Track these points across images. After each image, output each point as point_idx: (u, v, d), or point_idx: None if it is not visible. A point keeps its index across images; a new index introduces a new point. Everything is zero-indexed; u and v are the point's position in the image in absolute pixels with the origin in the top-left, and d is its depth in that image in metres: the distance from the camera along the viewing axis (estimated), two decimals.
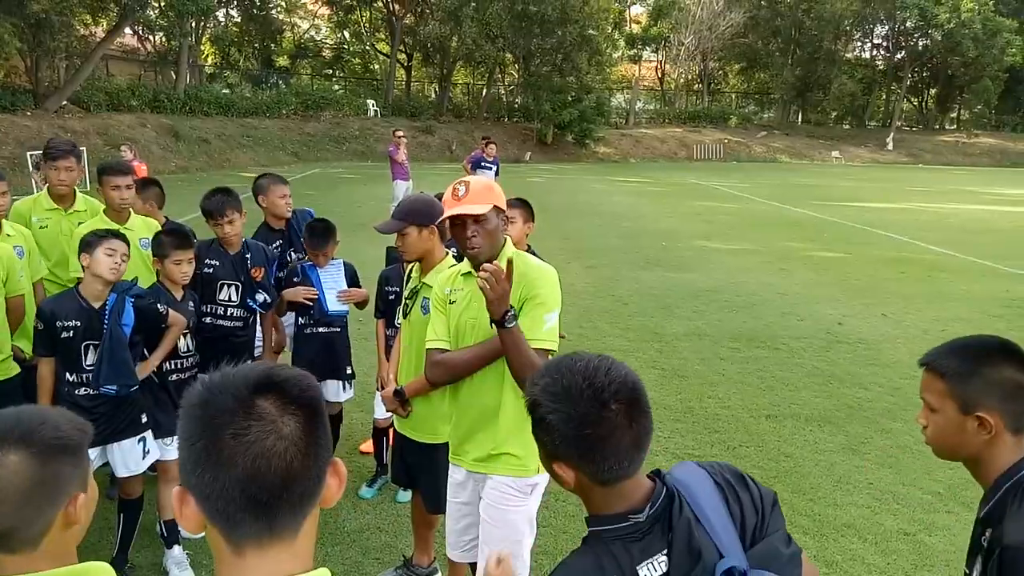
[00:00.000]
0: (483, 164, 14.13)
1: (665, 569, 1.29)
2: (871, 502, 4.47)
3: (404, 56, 42.60)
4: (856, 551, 3.95)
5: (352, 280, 4.50)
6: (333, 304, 4.34)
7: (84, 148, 21.06)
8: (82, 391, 3.33)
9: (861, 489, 4.63)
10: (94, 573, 1.27)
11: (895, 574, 3.77)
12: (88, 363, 3.32)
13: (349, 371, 4.54)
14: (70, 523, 1.28)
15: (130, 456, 3.45)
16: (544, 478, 2.69)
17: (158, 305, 3.58)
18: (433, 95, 43.66)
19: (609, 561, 1.31)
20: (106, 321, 3.30)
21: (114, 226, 4.24)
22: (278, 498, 0.93)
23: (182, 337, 3.76)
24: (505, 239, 2.72)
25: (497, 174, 14.21)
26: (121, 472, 3.47)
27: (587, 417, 1.31)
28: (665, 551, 1.31)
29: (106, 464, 3.51)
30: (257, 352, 4.72)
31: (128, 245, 3.39)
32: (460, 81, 45.44)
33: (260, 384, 0.95)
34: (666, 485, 1.37)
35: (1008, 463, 1.61)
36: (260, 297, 4.23)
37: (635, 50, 46.99)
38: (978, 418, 1.61)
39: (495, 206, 2.57)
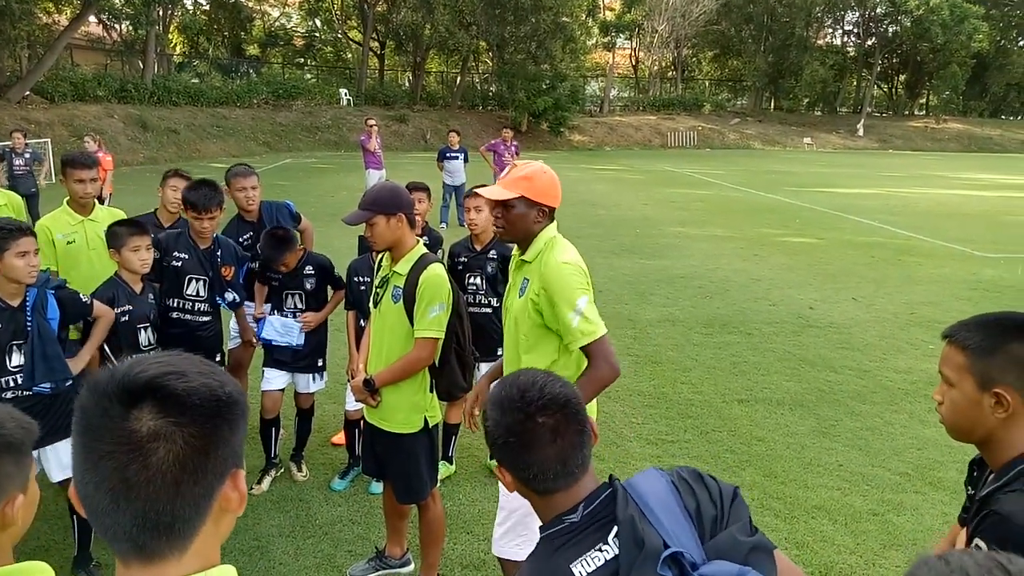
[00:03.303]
0: (448, 155, 14.06)
1: (600, 563, 1.32)
2: (841, 484, 4.53)
3: (376, 44, 42.17)
4: (826, 532, 4.00)
5: (327, 275, 4.45)
6: (271, 333, 4.31)
7: (49, 139, 20.72)
8: (10, 395, 3.13)
9: (831, 471, 4.69)
10: (32, 573, 1.22)
11: (864, 554, 3.82)
12: (14, 365, 3.13)
13: (320, 363, 4.50)
14: (6, 524, 1.23)
15: (66, 457, 3.21)
16: None
17: (81, 295, 3.45)
18: (406, 83, 43.32)
19: (543, 567, 1.37)
20: (29, 318, 3.12)
21: (77, 218, 4.19)
22: (142, 530, 0.87)
23: (143, 331, 3.68)
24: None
25: (466, 161, 14.13)
26: (57, 476, 3.29)
27: (513, 427, 1.39)
28: (599, 546, 1.34)
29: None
30: (234, 343, 4.66)
31: (36, 237, 3.20)
32: (434, 69, 45.11)
33: (140, 393, 0.87)
34: (612, 487, 1.41)
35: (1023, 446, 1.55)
36: (229, 296, 4.19)
37: (609, 37, 46.94)
38: (995, 395, 1.55)
39: (524, 196, 2.63)
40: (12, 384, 3.15)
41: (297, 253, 4.31)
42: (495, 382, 1.50)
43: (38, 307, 3.17)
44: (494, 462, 1.51)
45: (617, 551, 1.32)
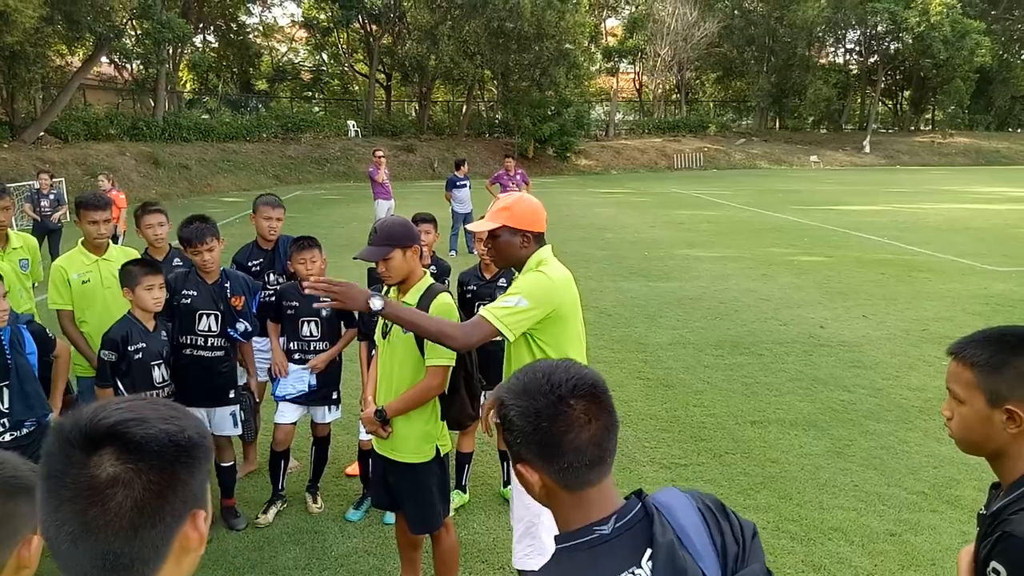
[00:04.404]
0: (457, 184, 14.22)
1: None
2: (857, 504, 4.50)
3: (383, 76, 42.75)
4: (843, 554, 3.97)
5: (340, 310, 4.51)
6: (283, 389, 4.39)
7: (63, 179, 21.11)
8: (8, 437, 3.12)
9: (847, 492, 4.66)
10: None
11: (882, 575, 3.79)
12: (6, 406, 3.12)
13: (335, 396, 4.54)
14: (22, 566, 1.24)
15: None
16: None
17: (47, 330, 3.47)
18: (413, 113, 43.80)
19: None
20: (8, 356, 3.13)
21: (92, 258, 4.27)
22: (101, 571, 0.90)
23: (156, 368, 3.73)
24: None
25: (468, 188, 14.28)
26: None
27: (544, 411, 1.30)
28: (632, 569, 1.25)
29: None
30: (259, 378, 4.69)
31: (3, 280, 3.25)
32: (440, 99, 45.61)
33: (101, 439, 0.91)
34: (644, 504, 1.33)
35: None
36: (241, 326, 4.22)
37: (612, 62, 47.40)
38: (1007, 411, 1.55)
39: (506, 225, 2.83)
40: (7, 425, 3.14)
41: (323, 262, 4.40)
42: (510, 376, 1.42)
43: (15, 344, 3.18)
44: (507, 487, 1.46)
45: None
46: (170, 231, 4.65)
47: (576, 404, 1.30)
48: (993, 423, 1.58)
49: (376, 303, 2.72)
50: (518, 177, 14.30)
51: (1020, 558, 1.45)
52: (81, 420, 0.93)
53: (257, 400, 4.49)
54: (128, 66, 33.87)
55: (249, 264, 4.77)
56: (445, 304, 3.17)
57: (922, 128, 52.16)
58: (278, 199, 4.87)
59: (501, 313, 2.70)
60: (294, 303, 4.40)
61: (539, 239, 2.88)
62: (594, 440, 1.30)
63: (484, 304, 4.47)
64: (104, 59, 31.44)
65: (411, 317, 2.80)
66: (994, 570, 1.50)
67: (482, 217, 3.06)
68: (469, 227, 3.02)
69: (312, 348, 4.41)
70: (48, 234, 12.04)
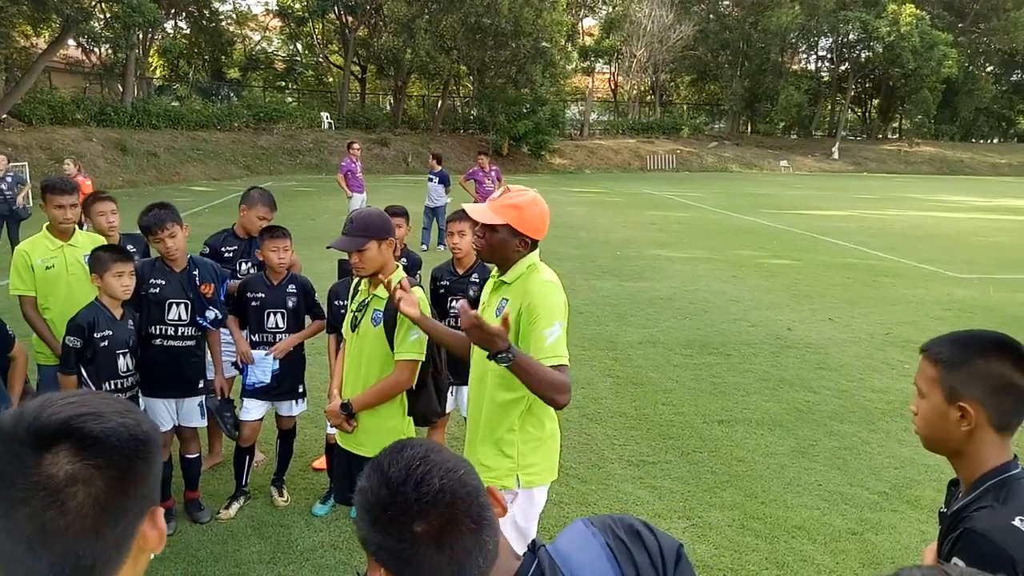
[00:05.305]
0: (429, 178, 14.21)
1: None
2: (820, 503, 4.58)
3: (358, 68, 42.39)
4: (806, 552, 4.04)
5: (308, 297, 4.45)
6: (251, 377, 4.33)
7: (26, 163, 20.55)
8: None
9: (811, 491, 4.74)
10: None
11: (844, 573, 3.86)
12: None
13: (301, 389, 4.49)
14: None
15: None
16: (530, 492, 2.70)
17: (7, 327, 3.39)
18: (388, 107, 43.51)
19: None
20: None
21: (57, 243, 4.19)
22: (61, 574, 0.86)
23: (122, 357, 3.66)
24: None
25: (447, 184, 14.18)
26: None
27: (386, 545, 1.10)
28: None
29: None
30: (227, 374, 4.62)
31: None
32: (415, 93, 45.37)
33: (54, 436, 0.87)
34: (538, 560, 1.18)
35: (993, 462, 1.60)
36: (210, 314, 4.15)
37: (588, 62, 47.56)
38: (960, 408, 1.61)
39: (509, 225, 2.63)
40: None
41: (292, 254, 4.33)
42: (369, 464, 1.19)
43: None
44: None
45: None
46: (120, 220, 4.59)
47: (424, 529, 1.07)
48: (949, 420, 1.63)
49: (510, 353, 2.42)
50: (493, 174, 14.26)
51: (982, 553, 1.49)
52: (26, 417, 0.87)
53: (229, 395, 4.42)
54: (96, 50, 33.16)
55: (222, 250, 4.70)
56: (417, 299, 3.15)
57: (889, 136, 53.15)
58: (274, 201, 4.80)
59: (556, 350, 2.52)
60: (259, 294, 4.33)
61: (534, 246, 2.75)
62: (452, 568, 1.09)
63: (456, 299, 4.48)
64: (71, 42, 30.73)
65: (537, 370, 2.47)
66: (955, 565, 1.54)
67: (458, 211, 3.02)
68: (470, 211, 2.77)
69: (277, 340, 4.35)
70: (7, 220, 11.67)
